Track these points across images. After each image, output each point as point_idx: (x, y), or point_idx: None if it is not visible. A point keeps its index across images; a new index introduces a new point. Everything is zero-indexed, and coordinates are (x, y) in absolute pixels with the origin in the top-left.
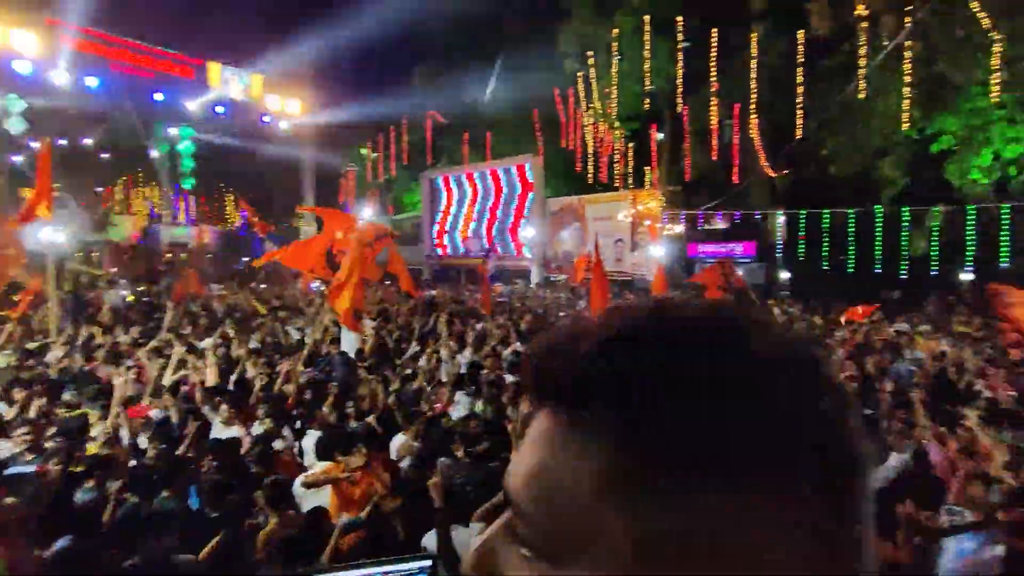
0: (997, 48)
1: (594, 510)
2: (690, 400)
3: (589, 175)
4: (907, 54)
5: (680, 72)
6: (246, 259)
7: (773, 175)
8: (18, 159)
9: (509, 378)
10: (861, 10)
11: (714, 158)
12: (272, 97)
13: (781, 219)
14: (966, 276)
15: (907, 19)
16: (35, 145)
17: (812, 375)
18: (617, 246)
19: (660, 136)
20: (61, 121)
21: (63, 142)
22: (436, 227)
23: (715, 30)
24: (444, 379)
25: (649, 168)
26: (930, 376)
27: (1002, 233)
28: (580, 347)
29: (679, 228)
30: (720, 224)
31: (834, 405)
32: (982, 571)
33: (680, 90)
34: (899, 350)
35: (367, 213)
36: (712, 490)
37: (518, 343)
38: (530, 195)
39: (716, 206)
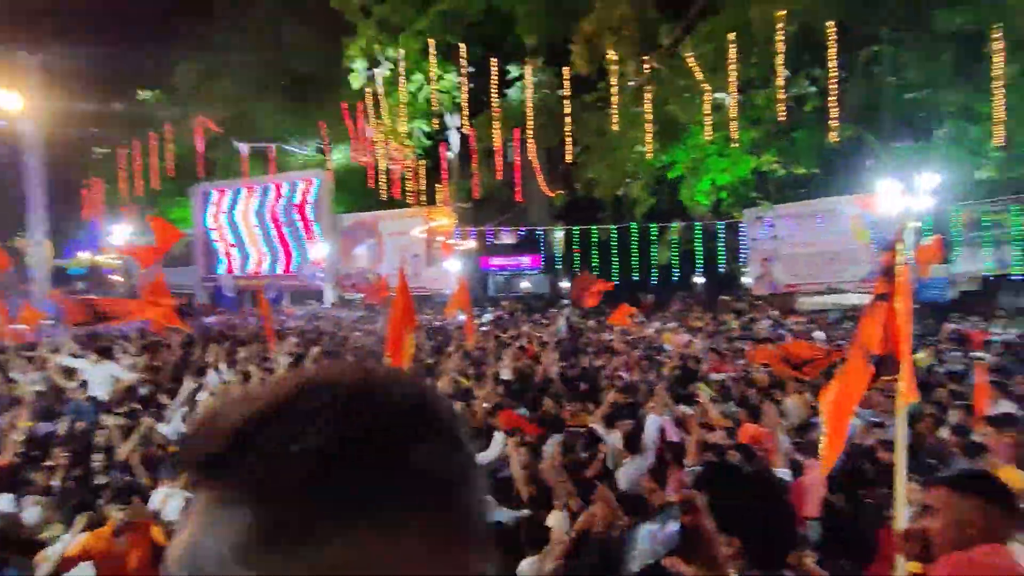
0: (707, 97)
1: (235, 572)
2: (306, 463)
3: (382, 191)
4: (647, 96)
5: (465, 95)
6: None
7: (551, 194)
8: None
9: None
10: (611, 56)
11: (499, 177)
12: None
13: (560, 234)
14: (698, 279)
15: (645, 66)
16: None
17: (420, 421)
18: (413, 262)
19: (450, 155)
20: None
21: None
22: (219, 245)
23: (494, 60)
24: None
25: (440, 185)
26: (675, 365)
27: (719, 244)
28: (222, 425)
29: (470, 243)
30: (508, 239)
31: (438, 445)
32: (662, 547)
33: (466, 112)
34: (656, 345)
35: (121, 230)
36: (327, 539)
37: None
38: (319, 211)
39: (503, 222)
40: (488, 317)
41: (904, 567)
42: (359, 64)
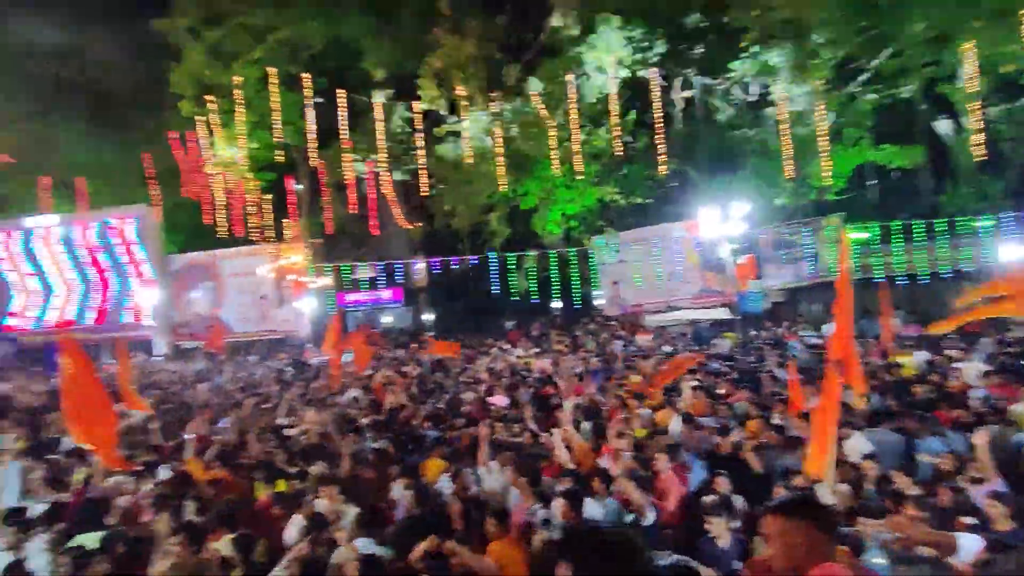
0: (552, 132)
1: None
2: None
3: (220, 228)
4: (496, 131)
5: (311, 126)
6: None
7: (408, 227)
8: None
9: None
10: (460, 91)
11: (352, 211)
12: None
13: (420, 266)
14: (555, 304)
15: (491, 103)
16: None
17: None
18: (261, 303)
19: (298, 188)
20: None
21: None
22: (17, 296)
23: (341, 91)
24: None
25: (289, 220)
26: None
27: (572, 271)
28: None
29: (326, 280)
30: (367, 274)
31: None
32: None
33: (312, 144)
34: (522, 372)
35: None
36: None
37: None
38: (142, 251)
39: (360, 256)
40: (347, 358)
41: None
42: (188, 91)
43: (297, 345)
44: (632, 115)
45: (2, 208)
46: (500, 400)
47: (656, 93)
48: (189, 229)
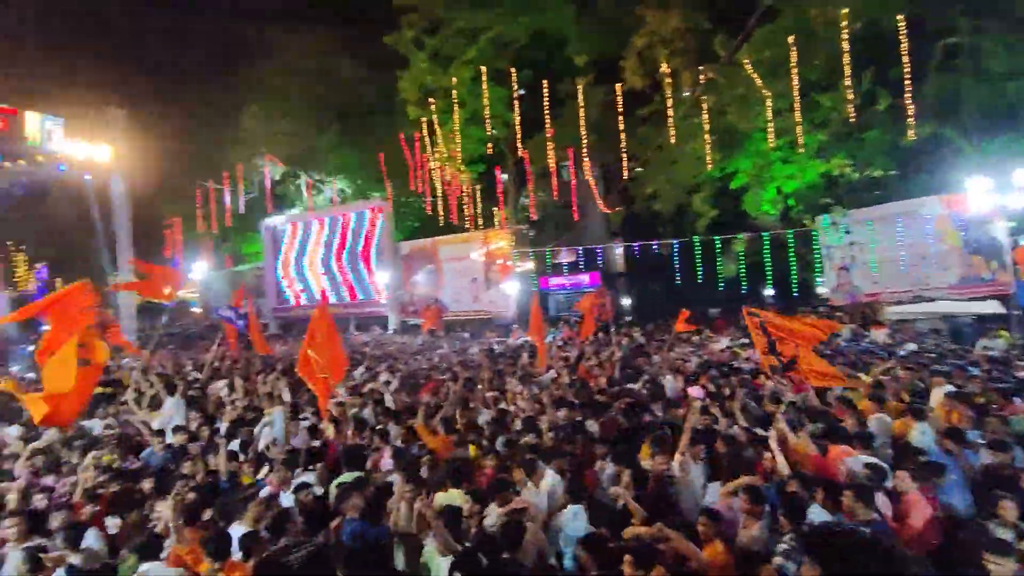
0: (768, 103)
1: None
2: None
3: (440, 217)
4: (704, 106)
5: (517, 118)
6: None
7: (608, 211)
8: None
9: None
10: (665, 68)
11: (555, 197)
12: (75, 143)
13: (619, 251)
14: (768, 292)
15: (701, 77)
16: None
17: None
18: (473, 285)
19: (505, 178)
20: None
21: None
22: (283, 279)
23: (545, 81)
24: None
25: (497, 208)
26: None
27: (789, 254)
28: None
29: (529, 264)
30: (566, 258)
31: None
32: None
33: (519, 135)
34: (729, 363)
35: (200, 266)
36: None
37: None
38: (380, 239)
39: (562, 241)
40: (548, 339)
41: None
42: (413, 96)
43: (504, 325)
44: (868, 74)
45: (279, 206)
46: (696, 391)
47: (904, 45)
48: (416, 218)
